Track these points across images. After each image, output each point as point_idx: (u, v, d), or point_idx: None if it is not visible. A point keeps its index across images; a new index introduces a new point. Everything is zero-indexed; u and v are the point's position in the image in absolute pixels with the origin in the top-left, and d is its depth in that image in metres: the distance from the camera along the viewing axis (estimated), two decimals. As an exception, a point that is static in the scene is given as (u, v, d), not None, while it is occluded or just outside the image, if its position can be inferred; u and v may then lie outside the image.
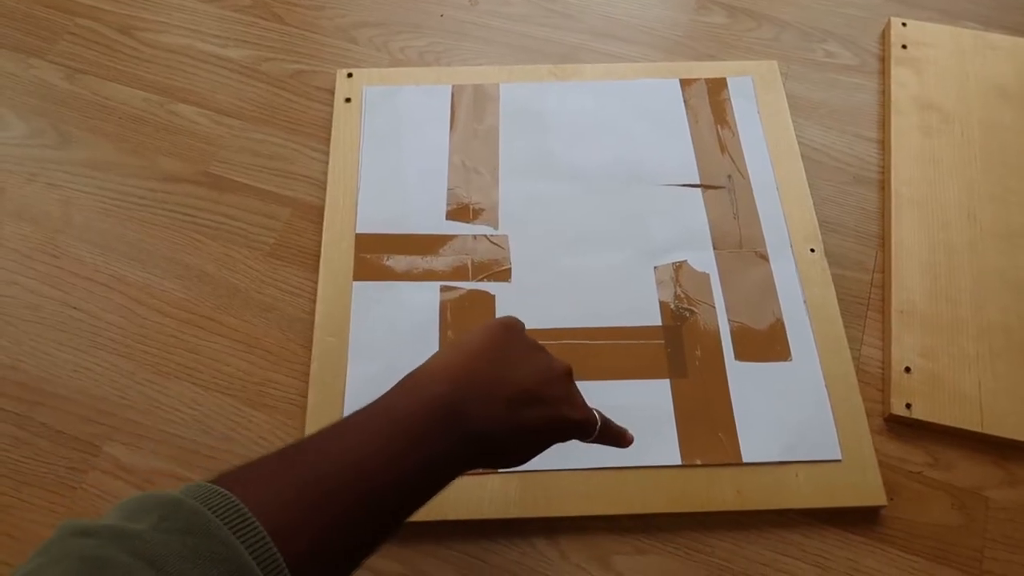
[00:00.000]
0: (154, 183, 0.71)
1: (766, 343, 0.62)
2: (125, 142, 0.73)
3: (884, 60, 0.80)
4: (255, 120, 0.75)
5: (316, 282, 0.65)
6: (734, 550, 0.56)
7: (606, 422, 0.46)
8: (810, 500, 0.56)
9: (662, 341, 0.62)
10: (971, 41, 0.79)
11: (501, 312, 0.64)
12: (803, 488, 0.57)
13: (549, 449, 0.43)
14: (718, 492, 0.56)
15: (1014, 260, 0.66)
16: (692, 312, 0.64)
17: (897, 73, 0.77)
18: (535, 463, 0.43)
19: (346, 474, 0.35)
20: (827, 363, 0.61)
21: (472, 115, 0.74)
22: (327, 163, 0.71)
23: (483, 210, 0.69)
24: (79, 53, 0.79)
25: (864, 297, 0.66)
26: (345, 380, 0.60)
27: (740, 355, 0.62)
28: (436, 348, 0.61)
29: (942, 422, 0.59)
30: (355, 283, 0.65)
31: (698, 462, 0.57)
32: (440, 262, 0.66)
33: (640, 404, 0.59)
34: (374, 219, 0.68)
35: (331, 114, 0.74)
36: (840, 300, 0.65)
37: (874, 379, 0.63)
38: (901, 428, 0.60)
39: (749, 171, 0.71)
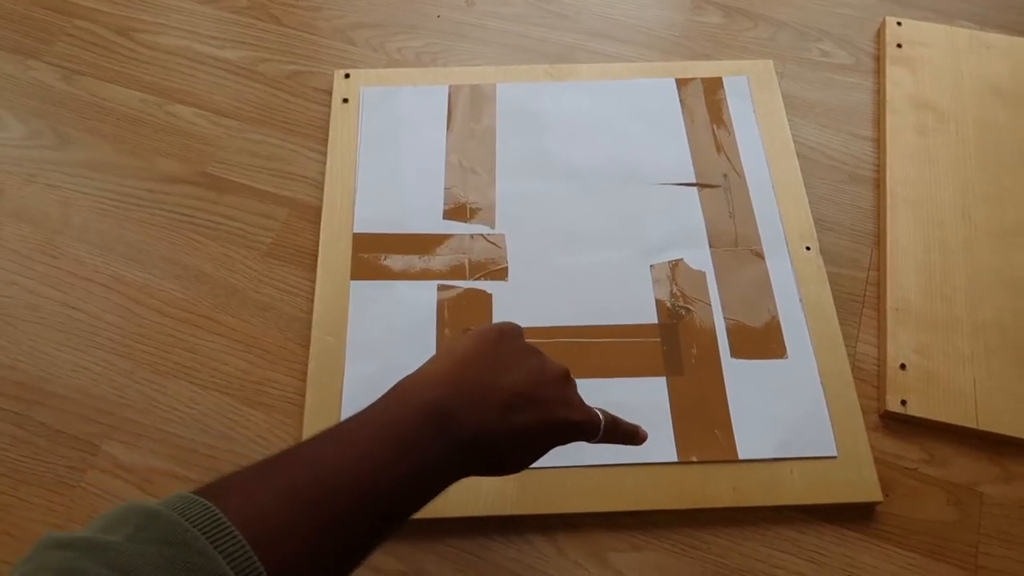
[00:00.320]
0: (152, 184, 0.71)
1: (762, 340, 0.63)
2: (123, 143, 0.74)
3: (879, 59, 0.80)
4: (253, 121, 0.75)
5: (314, 281, 0.65)
6: (730, 546, 0.56)
7: (614, 421, 0.46)
8: (806, 496, 0.57)
9: (658, 339, 0.63)
10: (966, 40, 0.79)
11: (498, 310, 0.64)
12: (799, 485, 0.57)
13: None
14: (714, 489, 0.57)
15: (1008, 259, 0.66)
16: (688, 310, 0.64)
17: (892, 72, 0.77)
18: (532, 460, 0.43)
19: (336, 480, 0.34)
20: (823, 360, 0.62)
21: (469, 115, 0.74)
22: (324, 163, 0.71)
23: (480, 209, 0.69)
24: (77, 54, 0.79)
25: (860, 295, 0.67)
26: (343, 379, 0.60)
27: (736, 352, 0.62)
28: (433, 347, 0.62)
29: (937, 419, 0.60)
30: (352, 282, 0.65)
31: (694, 459, 0.58)
32: (437, 261, 0.66)
33: (636, 402, 0.59)
34: (371, 219, 0.68)
35: (328, 115, 0.75)
36: (836, 298, 0.65)
37: (869, 376, 0.63)
38: (896, 425, 0.61)
39: (745, 170, 0.71)
